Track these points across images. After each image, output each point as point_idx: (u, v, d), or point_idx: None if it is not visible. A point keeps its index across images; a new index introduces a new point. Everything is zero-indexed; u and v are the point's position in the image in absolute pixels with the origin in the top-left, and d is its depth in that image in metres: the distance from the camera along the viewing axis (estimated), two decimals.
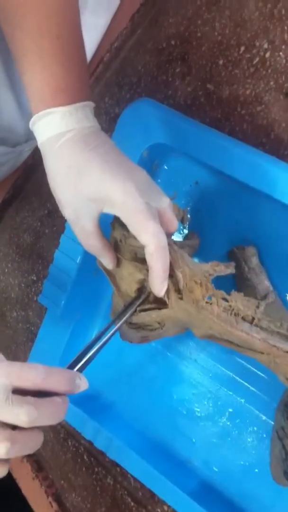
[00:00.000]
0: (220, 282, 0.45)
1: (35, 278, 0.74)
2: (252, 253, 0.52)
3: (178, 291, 0.44)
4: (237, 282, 0.52)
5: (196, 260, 0.53)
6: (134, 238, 0.41)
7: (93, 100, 0.44)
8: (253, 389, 0.54)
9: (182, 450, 0.58)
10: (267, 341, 0.43)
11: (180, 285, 0.44)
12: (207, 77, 0.56)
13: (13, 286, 0.77)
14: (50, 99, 0.42)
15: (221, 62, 0.55)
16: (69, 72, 0.43)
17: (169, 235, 0.44)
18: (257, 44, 0.53)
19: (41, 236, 0.73)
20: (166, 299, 0.44)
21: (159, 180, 0.58)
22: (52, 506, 0.71)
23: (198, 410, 0.58)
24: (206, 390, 0.57)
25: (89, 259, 0.53)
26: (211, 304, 0.44)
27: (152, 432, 0.60)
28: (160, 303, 0.46)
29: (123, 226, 0.42)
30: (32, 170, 0.74)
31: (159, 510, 0.61)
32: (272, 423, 0.52)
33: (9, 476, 0.39)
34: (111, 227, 0.47)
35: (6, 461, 0.35)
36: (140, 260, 0.45)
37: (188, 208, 0.57)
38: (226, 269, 0.46)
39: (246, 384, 0.55)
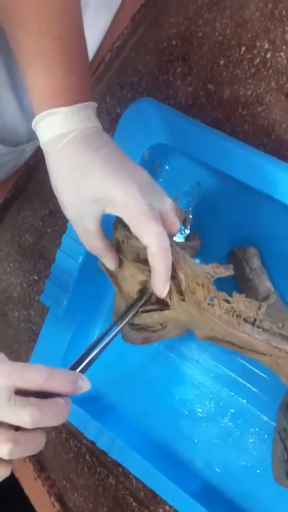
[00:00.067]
0: (222, 283, 0.45)
1: (37, 278, 0.74)
2: (253, 254, 0.52)
3: (180, 292, 0.44)
4: (239, 283, 0.52)
5: (197, 261, 0.53)
6: (136, 239, 0.41)
7: (94, 100, 0.44)
8: (255, 390, 0.54)
9: (184, 450, 0.58)
10: (269, 342, 0.43)
11: (182, 287, 0.44)
12: (208, 77, 0.56)
13: (15, 285, 0.77)
14: (52, 99, 0.42)
15: (222, 62, 0.55)
16: (71, 72, 0.43)
17: (171, 236, 0.44)
18: (258, 44, 0.53)
19: (42, 235, 0.73)
20: (168, 300, 0.44)
21: (160, 180, 0.58)
22: (54, 506, 0.71)
23: (200, 410, 0.58)
24: (208, 390, 0.57)
25: (91, 259, 0.53)
26: (213, 305, 0.44)
27: (154, 433, 0.60)
28: (162, 304, 0.46)
29: (125, 227, 0.42)
30: (34, 170, 0.74)
31: (161, 510, 0.61)
32: (274, 424, 0.52)
33: (11, 476, 0.39)
34: (113, 228, 0.47)
35: (9, 461, 0.35)
36: (142, 261, 0.45)
37: (190, 209, 0.57)
38: (225, 271, 0.46)
39: (248, 385, 0.55)
